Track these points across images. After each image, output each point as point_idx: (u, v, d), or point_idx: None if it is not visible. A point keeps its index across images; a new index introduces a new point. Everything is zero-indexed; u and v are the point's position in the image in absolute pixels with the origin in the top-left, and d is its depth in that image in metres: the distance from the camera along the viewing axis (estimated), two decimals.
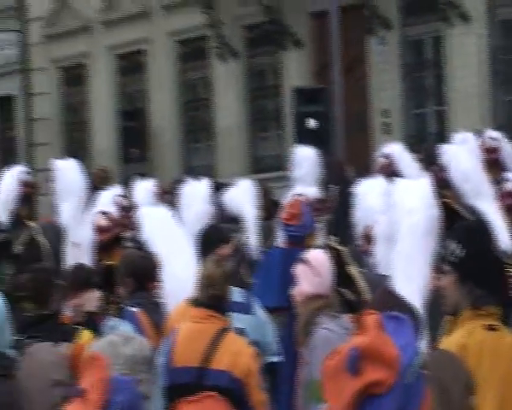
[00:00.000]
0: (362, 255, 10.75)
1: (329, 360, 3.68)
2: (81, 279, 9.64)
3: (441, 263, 6.84)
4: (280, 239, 11.52)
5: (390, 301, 5.76)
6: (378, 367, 3.59)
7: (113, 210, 12.08)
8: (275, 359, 9.27)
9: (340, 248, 10.17)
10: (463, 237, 7.10)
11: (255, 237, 12.50)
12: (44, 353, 6.75)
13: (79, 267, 10.29)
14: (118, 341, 7.14)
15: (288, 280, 9.51)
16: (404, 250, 8.83)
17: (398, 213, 9.39)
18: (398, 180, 10.73)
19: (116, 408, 4.79)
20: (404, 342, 3.68)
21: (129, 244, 12.00)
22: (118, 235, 11.84)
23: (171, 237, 11.02)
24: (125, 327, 8.99)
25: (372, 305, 5.73)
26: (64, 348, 7.03)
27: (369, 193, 12.00)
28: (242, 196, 13.16)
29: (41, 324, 8.66)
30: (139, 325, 9.23)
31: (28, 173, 13.44)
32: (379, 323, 3.64)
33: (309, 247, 9.72)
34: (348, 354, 3.58)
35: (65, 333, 8.60)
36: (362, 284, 8.29)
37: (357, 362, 3.55)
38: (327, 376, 3.66)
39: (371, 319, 3.67)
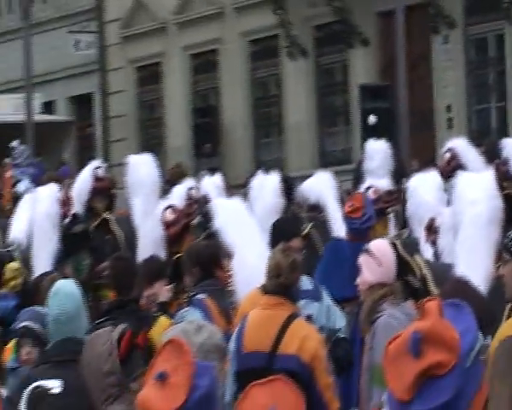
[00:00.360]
0: (419, 245, 10.74)
1: (391, 344, 3.64)
2: (153, 271, 9.76)
3: (502, 252, 6.85)
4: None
5: (462, 291, 5.74)
6: (439, 350, 3.55)
7: (180, 203, 12.17)
8: (341, 335, 9.27)
9: (405, 238, 10.22)
10: None
11: (336, 225, 12.35)
12: (102, 340, 6.72)
13: (151, 259, 10.34)
14: (190, 329, 7.12)
15: (356, 272, 9.80)
16: (467, 240, 8.76)
17: (461, 205, 9.35)
18: (461, 173, 10.65)
19: (200, 392, 4.77)
20: (464, 328, 3.64)
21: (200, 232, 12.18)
22: (186, 225, 11.89)
23: (243, 227, 11.05)
24: (193, 314, 9.14)
25: (444, 293, 5.71)
26: (116, 335, 7.01)
27: (422, 186, 12.00)
28: (322, 187, 13.11)
29: (121, 309, 8.75)
30: (207, 311, 9.34)
31: (102, 168, 13.54)
32: (440, 308, 3.60)
33: (372, 238, 9.74)
34: (411, 338, 3.54)
35: (144, 319, 8.66)
36: (427, 272, 8.24)
37: (419, 345, 3.52)
38: (388, 359, 3.62)
39: (433, 304, 3.64)
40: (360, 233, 10.68)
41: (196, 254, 10.19)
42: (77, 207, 12.98)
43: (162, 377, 4.82)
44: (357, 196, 11.61)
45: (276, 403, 4.18)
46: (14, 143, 22.58)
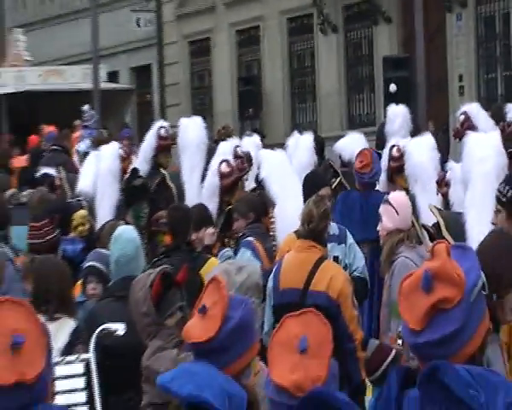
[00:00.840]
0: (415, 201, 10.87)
1: (405, 281, 3.65)
2: (200, 218, 9.77)
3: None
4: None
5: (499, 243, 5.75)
6: (447, 286, 3.56)
7: (231, 158, 12.19)
8: (361, 275, 9.37)
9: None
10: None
11: None
12: (139, 285, 6.77)
13: (199, 207, 10.38)
14: (232, 269, 7.17)
15: (367, 217, 10.32)
16: (476, 193, 8.74)
17: (470, 162, 9.30)
18: (471, 134, 10.60)
19: (233, 323, 4.80)
20: (469, 267, 3.64)
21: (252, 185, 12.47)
22: (238, 179, 11.91)
23: (285, 178, 11.17)
24: (245, 253, 9.44)
25: (483, 248, 5.74)
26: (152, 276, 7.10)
27: (417, 149, 12.00)
28: (354, 145, 13.11)
29: (176, 251, 8.79)
30: (255, 251, 9.51)
31: (165, 128, 13.56)
32: (448, 250, 3.61)
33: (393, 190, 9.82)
34: (422, 275, 3.55)
35: (197, 259, 8.80)
36: (440, 219, 8.28)
37: (430, 282, 3.52)
38: (402, 294, 3.63)
39: (441, 246, 3.64)
40: (369, 185, 11.11)
41: (252, 202, 10.40)
42: (143, 164, 13.06)
43: (203, 310, 4.84)
44: (366, 153, 11.69)
45: (308, 333, 4.13)
46: (85, 107, 22.69)
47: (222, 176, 11.77)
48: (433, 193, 10.85)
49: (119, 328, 6.64)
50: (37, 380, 3.88)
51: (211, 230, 9.64)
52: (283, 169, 11.47)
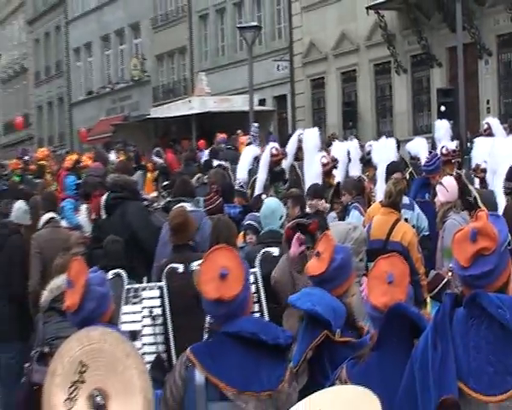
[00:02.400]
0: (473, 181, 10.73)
1: (457, 233, 3.64)
2: (314, 191, 9.71)
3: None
4: None
5: None
6: (486, 239, 3.52)
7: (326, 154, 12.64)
8: (426, 233, 9.25)
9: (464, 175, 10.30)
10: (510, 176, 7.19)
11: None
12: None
13: (315, 185, 10.39)
14: (350, 228, 7.24)
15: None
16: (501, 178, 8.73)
17: (498, 157, 9.19)
18: (496, 138, 10.51)
19: (337, 262, 4.81)
20: (500, 228, 3.61)
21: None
22: (333, 167, 12.12)
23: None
24: (354, 213, 9.61)
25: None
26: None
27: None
28: (420, 146, 13.12)
29: (308, 214, 8.63)
30: (360, 211, 9.64)
31: (302, 134, 13.87)
32: (487, 216, 3.60)
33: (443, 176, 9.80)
34: (470, 231, 3.51)
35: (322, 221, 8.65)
36: (477, 194, 8.27)
37: (475, 236, 3.49)
38: (455, 242, 3.62)
39: (483, 213, 3.64)
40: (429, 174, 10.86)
41: (354, 183, 10.53)
42: (289, 158, 13.28)
43: (317, 254, 4.96)
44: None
45: (393, 269, 4.13)
46: (255, 124, 22.95)
47: (323, 165, 11.82)
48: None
49: (275, 251, 6.81)
50: (234, 299, 3.95)
51: (323, 201, 9.50)
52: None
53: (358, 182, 11.21)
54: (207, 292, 3.98)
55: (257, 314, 6.10)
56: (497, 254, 3.57)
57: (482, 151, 10.51)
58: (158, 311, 6.42)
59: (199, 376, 3.92)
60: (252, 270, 6.35)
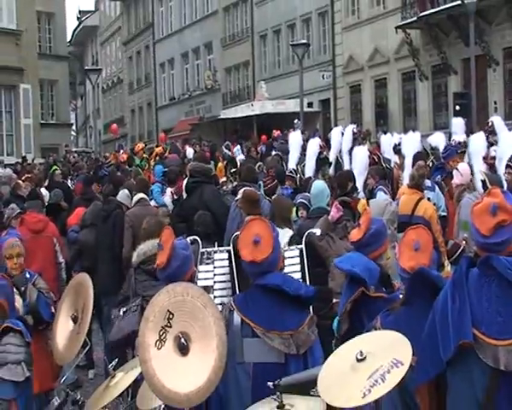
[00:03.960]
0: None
1: (476, 206, 3.59)
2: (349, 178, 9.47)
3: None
4: None
5: None
6: (505, 213, 3.45)
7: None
8: (443, 213, 9.00)
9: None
10: None
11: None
12: None
13: (347, 171, 9.95)
14: (387, 202, 7.18)
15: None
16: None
17: (504, 146, 8.98)
18: (501, 133, 10.20)
19: (372, 230, 4.77)
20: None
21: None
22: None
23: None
24: (380, 193, 9.15)
25: None
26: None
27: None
28: (440, 139, 12.75)
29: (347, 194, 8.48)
30: (386, 192, 9.23)
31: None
32: (502, 192, 3.53)
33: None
34: (491, 205, 3.45)
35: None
36: (486, 178, 8.06)
37: (496, 209, 3.42)
38: (476, 215, 3.58)
39: (497, 190, 3.58)
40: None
41: (378, 169, 10.33)
42: (334, 149, 12.95)
43: (358, 225, 4.94)
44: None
45: (419, 238, 4.08)
46: (296, 121, 22.82)
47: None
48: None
49: (317, 231, 6.53)
50: (265, 261, 3.95)
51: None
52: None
53: (382, 169, 10.91)
54: (244, 255, 4.05)
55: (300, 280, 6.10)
56: (511, 226, 3.52)
57: (476, 145, 10.19)
58: (226, 269, 6.44)
59: (236, 318, 4.02)
60: (298, 246, 6.33)
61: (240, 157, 17.69)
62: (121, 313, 5.52)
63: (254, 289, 4.10)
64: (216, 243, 6.83)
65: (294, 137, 13.69)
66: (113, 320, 5.37)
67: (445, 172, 9.97)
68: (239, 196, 8.08)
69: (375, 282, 4.67)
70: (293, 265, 6.18)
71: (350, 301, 4.65)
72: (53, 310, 5.32)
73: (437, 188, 9.23)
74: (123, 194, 9.39)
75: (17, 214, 8.97)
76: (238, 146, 19.31)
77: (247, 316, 3.99)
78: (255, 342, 3.94)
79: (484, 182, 8.09)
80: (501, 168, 8.59)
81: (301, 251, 6.25)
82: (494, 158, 9.97)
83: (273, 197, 8.36)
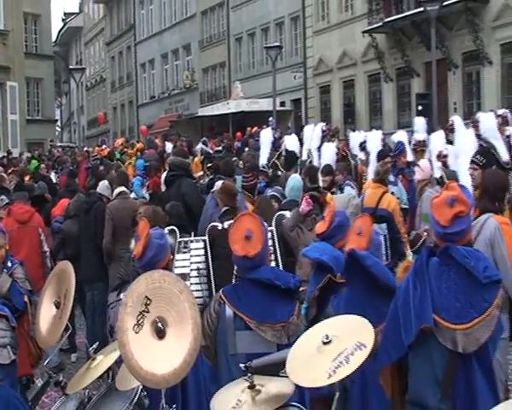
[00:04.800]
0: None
1: (435, 199, 3.61)
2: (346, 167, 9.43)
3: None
4: None
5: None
6: (462, 204, 3.48)
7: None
8: (405, 206, 8.98)
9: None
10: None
11: None
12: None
13: (327, 165, 9.69)
14: (350, 197, 7.17)
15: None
16: (463, 161, 8.40)
17: (461, 144, 8.93)
18: (458, 131, 10.00)
19: (336, 222, 4.89)
20: (468, 195, 3.56)
21: None
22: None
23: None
24: (347, 188, 8.94)
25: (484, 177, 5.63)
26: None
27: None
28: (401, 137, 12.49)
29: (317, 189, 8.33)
30: (353, 187, 9.00)
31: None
32: (459, 186, 3.58)
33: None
34: (449, 197, 3.47)
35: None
36: (443, 174, 8.03)
37: (453, 202, 3.45)
38: (435, 207, 3.61)
39: (455, 184, 3.60)
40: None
41: (345, 165, 10.23)
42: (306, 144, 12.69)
43: (323, 218, 5.06)
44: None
45: (361, 225, 4.25)
46: (270, 119, 22.73)
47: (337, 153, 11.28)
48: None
49: (287, 214, 6.64)
50: (256, 256, 3.92)
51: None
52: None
53: (348, 165, 10.63)
54: (236, 250, 3.99)
55: (273, 264, 6.06)
56: (468, 217, 3.54)
57: (436, 143, 10.10)
58: (202, 258, 6.38)
59: (228, 311, 3.96)
60: (269, 228, 6.30)
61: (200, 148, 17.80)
62: (122, 297, 5.48)
63: (245, 282, 4.04)
64: (192, 233, 6.79)
65: (265, 134, 13.48)
66: (112, 304, 5.32)
67: (396, 169, 9.83)
68: (215, 187, 7.99)
69: (341, 269, 4.69)
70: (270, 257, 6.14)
71: (318, 288, 4.66)
72: (26, 299, 5.23)
73: (399, 183, 9.21)
74: (103, 185, 9.28)
75: (5, 205, 8.86)
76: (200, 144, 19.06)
77: (240, 309, 3.93)
78: (248, 334, 3.90)
79: (442, 178, 8.10)
80: (456, 165, 8.55)
81: (272, 232, 6.24)
82: (446, 156, 9.97)
83: (259, 197, 8.32)
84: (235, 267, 4.50)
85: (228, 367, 3.91)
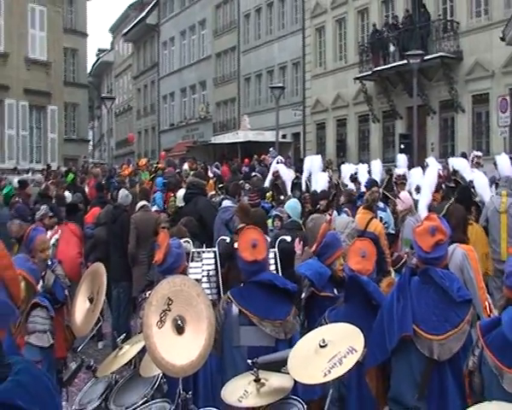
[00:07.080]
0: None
1: (417, 228, 3.58)
2: (324, 195, 9.18)
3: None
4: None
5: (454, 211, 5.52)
6: (441, 234, 3.47)
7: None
8: (392, 231, 8.87)
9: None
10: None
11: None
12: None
13: (322, 191, 9.76)
14: (350, 220, 7.11)
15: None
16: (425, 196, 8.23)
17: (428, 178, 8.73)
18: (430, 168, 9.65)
19: (326, 241, 4.87)
20: (446, 225, 3.56)
21: None
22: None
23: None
24: (343, 214, 8.46)
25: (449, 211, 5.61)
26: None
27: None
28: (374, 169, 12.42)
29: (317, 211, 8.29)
30: (348, 214, 8.41)
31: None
32: (437, 218, 3.56)
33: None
34: (430, 227, 3.45)
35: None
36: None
37: (434, 231, 3.43)
38: (418, 234, 3.58)
39: (434, 215, 3.59)
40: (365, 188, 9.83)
41: (347, 194, 9.92)
42: (305, 174, 12.42)
43: (315, 240, 4.91)
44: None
45: (365, 248, 4.10)
46: (271, 149, 22.73)
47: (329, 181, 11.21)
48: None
49: (288, 238, 6.28)
50: (263, 260, 3.96)
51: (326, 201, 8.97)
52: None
53: (349, 194, 10.53)
54: (245, 256, 4.02)
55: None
56: (446, 244, 3.56)
57: (415, 178, 9.91)
58: (212, 266, 6.36)
59: (234, 308, 3.99)
60: (272, 249, 6.27)
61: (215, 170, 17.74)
62: (148, 295, 5.50)
63: (249, 285, 4.06)
64: (204, 245, 6.80)
65: (272, 165, 13.81)
66: (140, 302, 5.39)
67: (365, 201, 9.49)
68: (223, 205, 8.15)
69: (324, 283, 4.72)
70: (270, 264, 6.16)
71: (304, 298, 4.73)
72: (66, 293, 5.29)
73: (388, 209, 9.16)
74: (123, 193, 9.33)
75: (51, 216, 8.98)
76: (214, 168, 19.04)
77: (245, 307, 3.96)
78: (251, 329, 3.92)
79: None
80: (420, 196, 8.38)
81: (275, 254, 6.25)
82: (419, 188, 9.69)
83: (254, 210, 8.31)
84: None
85: (232, 358, 3.94)
